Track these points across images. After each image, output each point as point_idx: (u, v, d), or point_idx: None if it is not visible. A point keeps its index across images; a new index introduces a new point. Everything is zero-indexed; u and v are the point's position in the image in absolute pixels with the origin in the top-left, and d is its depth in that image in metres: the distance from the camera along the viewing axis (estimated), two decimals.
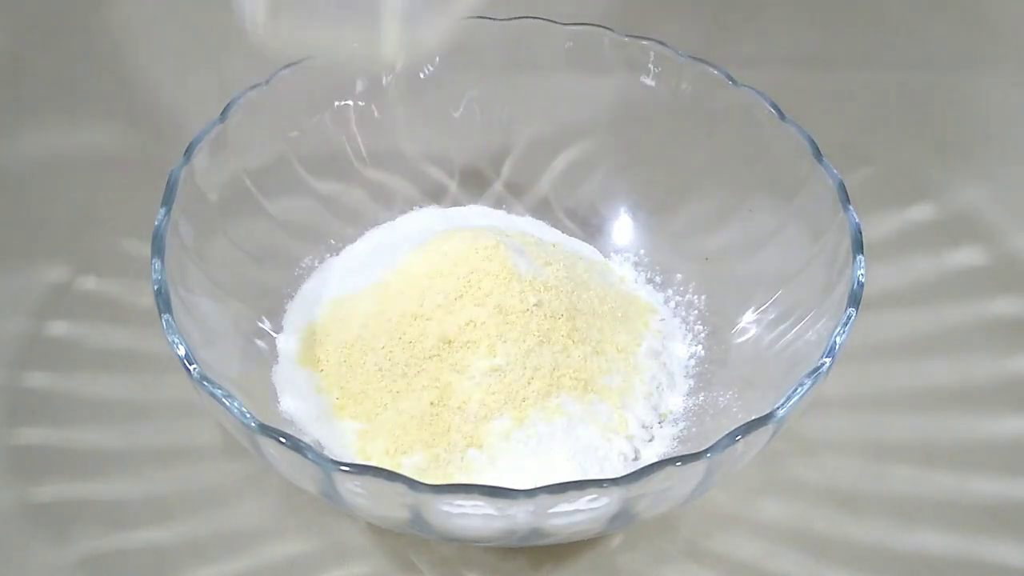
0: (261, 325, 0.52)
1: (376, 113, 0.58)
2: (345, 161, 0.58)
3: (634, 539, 0.48)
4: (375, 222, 0.59)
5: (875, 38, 0.77)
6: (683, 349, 0.54)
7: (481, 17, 0.57)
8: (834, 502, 0.50)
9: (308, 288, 0.55)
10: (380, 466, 0.42)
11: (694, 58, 0.55)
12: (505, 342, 0.48)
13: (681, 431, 0.50)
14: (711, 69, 0.55)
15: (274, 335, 0.52)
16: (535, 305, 0.49)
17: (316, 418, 0.49)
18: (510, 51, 0.58)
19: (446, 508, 0.39)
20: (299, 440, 0.39)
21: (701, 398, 0.51)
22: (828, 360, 0.42)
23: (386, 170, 0.60)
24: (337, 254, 0.57)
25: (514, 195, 0.61)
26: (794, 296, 0.50)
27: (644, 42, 0.56)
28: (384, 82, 0.58)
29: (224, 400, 0.40)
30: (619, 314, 0.53)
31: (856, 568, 0.47)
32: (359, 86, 0.58)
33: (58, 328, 0.56)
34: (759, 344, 0.51)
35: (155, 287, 0.44)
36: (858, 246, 0.46)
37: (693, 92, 0.56)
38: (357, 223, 0.58)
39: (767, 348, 0.50)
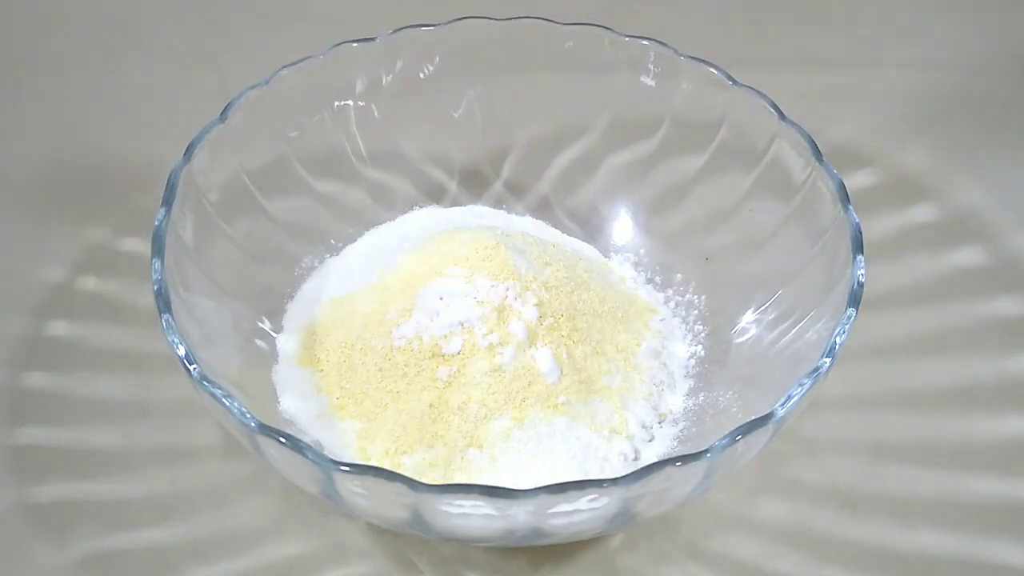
0: (261, 325, 0.52)
1: (376, 113, 0.58)
2: (345, 161, 0.58)
3: (634, 539, 0.48)
4: (375, 222, 0.59)
5: (875, 38, 0.77)
6: (683, 349, 0.54)
7: (481, 17, 0.57)
8: (834, 502, 0.50)
9: (308, 288, 0.55)
10: (380, 466, 0.42)
11: (694, 58, 0.55)
12: (505, 342, 0.48)
13: (681, 431, 0.50)
14: (711, 69, 0.55)
15: (274, 335, 0.52)
16: (535, 305, 0.49)
17: (316, 418, 0.49)
18: (510, 51, 0.58)
19: (446, 508, 0.39)
20: (299, 440, 0.39)
21: (701, 398, 0.51)
22: (828, 360, 0.42)
23: (386, 170, 0.60)
24: (337, 254, 0.57)
25: (514, 195, 0.61)
26: (794, 296, 0.50)
27: (644, 42, 0.56)
28: (384, 82, 0.58)
29: (224, 400, 0.40)
30: (619, 314, 0.53)
31: (856, 568, 0.47)
32: (359, 86, 0.58)
33: (58, 328, 0.56)
34: (759, 344, 0.51)
35: (155, 287, 0.44)
36: (858, 246, 0.46)
37: (693, 92, 0.56)
38: (357, 223, 0.58)
39: (767, 348, 0.50)
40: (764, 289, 0.52)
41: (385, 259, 0.55)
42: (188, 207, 0.49)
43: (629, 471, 0.40)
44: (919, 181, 0.65)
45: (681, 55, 0.56)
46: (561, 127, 0.60)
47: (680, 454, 0.41)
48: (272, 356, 0.51)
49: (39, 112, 0.69)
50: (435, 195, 0.61)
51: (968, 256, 0.61)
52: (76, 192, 0.63)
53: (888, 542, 0.48)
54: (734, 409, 0.49)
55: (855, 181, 0.64)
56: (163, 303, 0.43)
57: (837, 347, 0.43)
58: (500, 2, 0.61)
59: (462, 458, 0.47)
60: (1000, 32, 0.77)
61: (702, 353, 0.53)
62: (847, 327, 0.43)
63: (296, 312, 0.54)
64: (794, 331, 0.49)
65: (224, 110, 0.52)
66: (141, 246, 0.59)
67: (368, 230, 0.59)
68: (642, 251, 0.58)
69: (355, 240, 0.58)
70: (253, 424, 0.40)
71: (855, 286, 0.44)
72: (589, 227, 0.60)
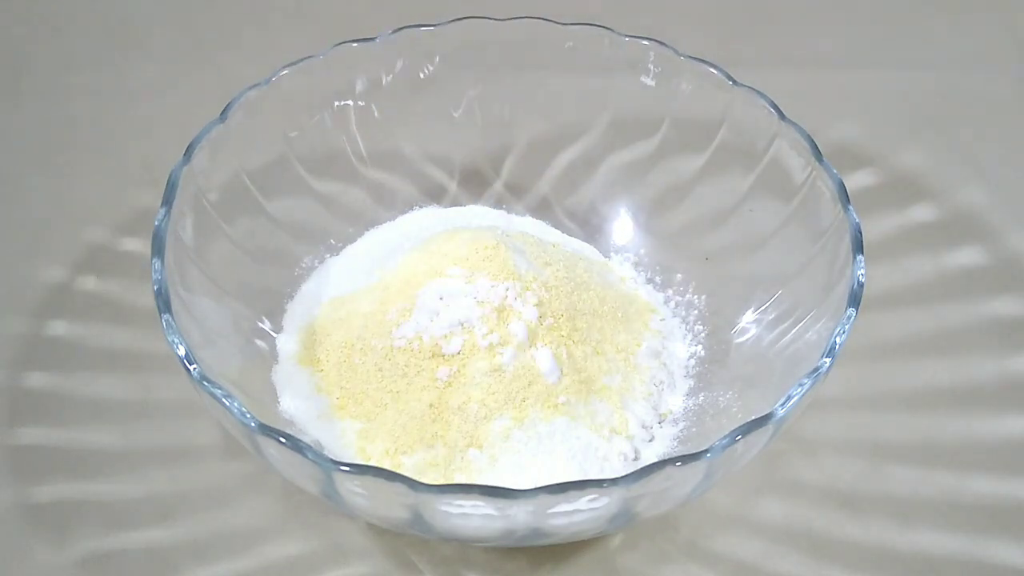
0: (261, 325, 0.52)
1: (376, 113, 0.58)
2: (345, 161, 0.58)
3: (634, 539, 0.48)
4: (375, 222, 0.59)
5: (875, 38, 0.77)
6: (683, 349, 0.54)
7: (481, 17, 0.57)
8: (834, 502, 0.50)
9: (308, 288, 0.55)
10: (380, 466, 0.42)
11: (694, 58, 0.55)
12: (505, 342, 0.48)
13: (681, 431, 0.50)
14: (711, 69, 0.55)
15: (274, 335, 0.52)
16: (535, 305, 0.49)
17: (316, 418, 0.49)
18: (510, 51, 0.58)
19: (446, 508, 0.39)
20: (299, 440, 0.39)
21: (701, 398, 0.51)
22: (828, 360, 0.42)
23: (386, 170, 0.60)
24: (337, 254, 0.57)
25: (514, 195, 0.61)
26: (794, 296, 0.50)
27: (644, 42, 0.56)
28: (384, 82, 0.58)
29: (224, 400, 0.40)
30: (619, 314, 0.53)
31: (856, 568, 0.47)
32: (359, 86, 0.58)
33: (58, 328, 0.56)
34: (759, 344, 0.51)
35: (155, 287, 0.44)
36: (858, 246, 0.46)
37: (693, 92, 0.56)
38: (357, 223, 0.58)
39: (767, 348, 0.50)
40: (764, 289, 0.52)
41: (385, 259, 0.55)
42: (188, 207, 0.49)
43: (629, 471, 0.40)
44: (919, 181, 0.65)
45: (681, 55, 0.56)
46: (561, 127, 0.60)
47: (680, 454, 0.41)
48: (272, 356, 0.51)
49: (39, 112, 0.69)
50: (435, 195, 0.61)
51: (968, 256, 0.61)
52: (76, 192, 0.63)
53: (888, 542, 0.48)
54: (734, 409, 0.49)
55: (855, 181, 0.64)
56: (163, 303, 0.43)
57: (837, 347, 0.43)
58: (500, 2, 0.61)
59: (462, 458, 0.47)
60: (999, 32, 0.77)
61: (702, 353, 0.53)
62: (847, 327, 0.43)
63: (296, 312, 0.54)
64: (794, 331, 0.49)
65: (224, 110, 0.52)
66: (141, 246, 0.59)
67: (368, 230, 0.59)
68: (642, 251, 0.58)
69: (355, 240, 0.58)
70: (253, 424, 0.40)
71: (855, 286, 0.44)
72: (589, 227, 0.60)
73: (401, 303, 0.50)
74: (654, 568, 0.47)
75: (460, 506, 0.38)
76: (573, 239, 0.59)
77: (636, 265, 0.58)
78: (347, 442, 0.48)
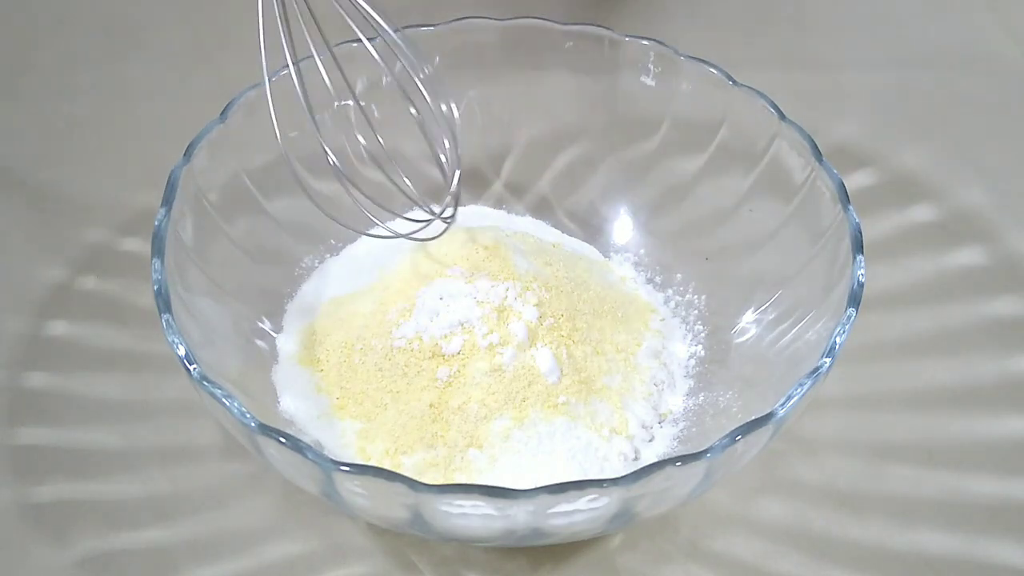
0: (261, 325, 0.52)
1: (376, 113, 0.58)
2: (345, 161, 0.58)
3: (634, 539, 0.48)
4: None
5: (875, 38, 0.77)
6: (683, 349, 0.54)
7: (481, 17, 0.57)
8: (834, 502, 0.50)
9: (308, 288, 0.55)
10: (380, 466, 0.43)
11: (694, 58, 0.55)
12: (505, 342, 0.48)
13: (681, 431, 0.50)
14: (711, 69, 0.55)
15: (274, 335, 0.52)
16: (535, 305, 0.49)
17: (316, 418, 0.49)
18: (510, 51, 0.58)
19: (446, 508, 0.39)
20: (299, 440, 0.39)
21: (701, 398, 0.51)
22: (828, 360, 0.42)
23: (386, 170, 0.59)
24: (337, 254, 0.57)
25: (514, 195, 0.61)
26: (794, 296, 0.50)
27: (644, 42, 0.56)
28: (384, 82, 0.58)
29: (224, 400, 0.40)
30: (619, 314, 0.53)
31: (856, 568, 0.47)
32: (359, 86, 0.58)
33: (58, 328, 0.56)
34: (759, 344, 0.51)
35: (155, 287, 0.44)
36: (858, 246, 0.46)
37: (693, 92, 0.56)
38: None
39: (767, 348, 0.50)
40: (764, 289, 0.52)
41: (385, 259, 0.55)
42: (188, 207, 0.49)
43: (629, 471, 0.40)
44: (919, 181, 0.65)
45: (681, 55, 0.56)
46: (561, 127, 0.60)
47: (680, 454, 0.41)
48: (272, 356, 0.51)
49: (39, 112, 0.69)
50: (435, 195, 0.61)
51: (968, 256, 0.61)
52: (76, 192, 0.63)
53: (888, 542, 0.48)
54: (734, 409, 0.49)
55: (855, 181, 0.64)
56: (163, 303, 0.43)
57: (837, 347, 0.43)
58: (500, 2, 0.61)
59: (462, 458, 0.47)
60: (999, 32, 0.77)
61: (702, 353, 0.53)
62: (847, 327, 0.43)
63: (296, 312, 0.54)
64: (794, 331, 0.49)
65: (224, 110, 0.52)
66: (141, 246, 0.59)
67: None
68: (642, 251, 0.58)
69: (355, 240, 0.58)
70: (253, 424, 0.40)
71: (855, 286, 0.45)
72: (589, 227, 0.60)
73: (401, 303, 0.50)
74: (654, 568, 0.47)
75: (460, 506, 0.38)
76: (573, 239, 0.59)
77: (636, 265, 0.58)
78: (347, 442, 0.48)
